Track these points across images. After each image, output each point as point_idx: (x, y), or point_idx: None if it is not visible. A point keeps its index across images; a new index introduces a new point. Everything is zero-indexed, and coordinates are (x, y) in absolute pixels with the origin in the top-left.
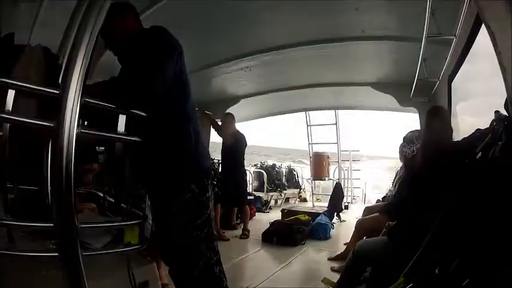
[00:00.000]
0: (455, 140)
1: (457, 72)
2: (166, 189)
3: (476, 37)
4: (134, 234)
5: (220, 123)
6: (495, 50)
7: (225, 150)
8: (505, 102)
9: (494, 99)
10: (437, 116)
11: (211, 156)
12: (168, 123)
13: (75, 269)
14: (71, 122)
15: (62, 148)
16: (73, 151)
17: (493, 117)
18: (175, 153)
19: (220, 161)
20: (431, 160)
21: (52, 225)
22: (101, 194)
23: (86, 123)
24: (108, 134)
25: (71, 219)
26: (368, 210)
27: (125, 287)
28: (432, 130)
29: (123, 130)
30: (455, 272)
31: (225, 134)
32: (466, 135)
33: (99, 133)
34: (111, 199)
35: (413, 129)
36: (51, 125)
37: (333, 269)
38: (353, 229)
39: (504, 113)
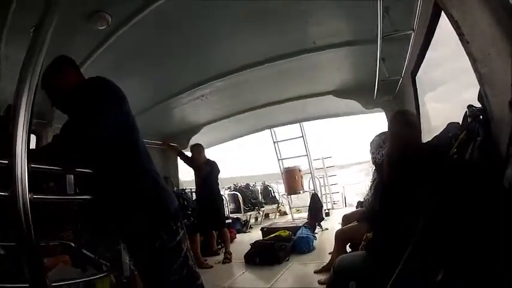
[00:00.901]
0: (426, 140)
1: (420, 66)
2: (135, 238)
3: (436, 27)
4: (104, 285)
5: (189, 154)
6: (461, 40)
7: (200, 179)
8: (479, 94)
9: (462, 82)
10: (400, 119)
11: (181, 188)
12: (120, 177)
13: None
14: (22, 189)
15: (20, 215)
16: (29, 216)
17: (461, 100)
18: (135, 205)
19: (194, 191)
20: (400, 165)
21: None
22: (73, 245)
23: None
24: (59, 197)
25: (42, 279)
26: (346, 219)
27: None
28: (396, 134)
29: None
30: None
31: (197, 165)
32: (439, 126)
33: (51, 197)
34: (84, 251)
35: (379, 133)
36: (6, 194)
37: (320, 282)
38: None
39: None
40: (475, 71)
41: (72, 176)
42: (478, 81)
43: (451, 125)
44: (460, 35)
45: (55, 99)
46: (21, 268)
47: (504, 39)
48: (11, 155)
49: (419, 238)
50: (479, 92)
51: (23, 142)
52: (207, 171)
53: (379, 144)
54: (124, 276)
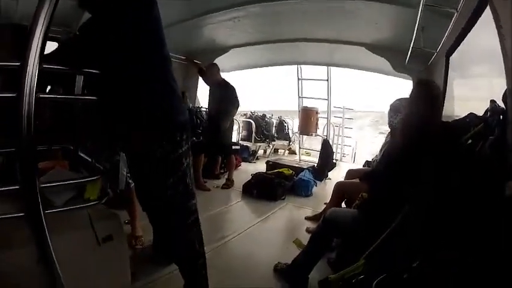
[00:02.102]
0: (445, 120)
1: (457, 48)
2: (136, 146)
3: (480, 16)
4: (94, 190)
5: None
6: (499, 33)
7: (210, 98)
8: (504, 94)
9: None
10: (423, 88)
11: (198, 106)
12: (131, 79)
13: (39, 226)
14: (30, 87)
15: (23, 112)
16: (32, 115)
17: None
18: (141, 110)
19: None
20: (412, 135)
21: (18, 187)
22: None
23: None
24: (64, 96)
25: (33, 180)
26: (350, 174)
27: (90, 241)
28: (416, 103)
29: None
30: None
31: (210, 83)
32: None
33: (56, 96)
34: (81, 154)
35: (401, 97)
36: (14, 95)
37: (307, 230)
38: None
39: (501, 104)
40: (506, 68)
41: (81, 78)
42: (506, 78)
43: (472, 115)
44: (498, 27)
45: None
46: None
47: None
48: (24, 56)
49: (400, 222)
50: (505, 91)
51: (39, 43)
52: (215, 90)
53: (398, 109)
54: (118, 189)
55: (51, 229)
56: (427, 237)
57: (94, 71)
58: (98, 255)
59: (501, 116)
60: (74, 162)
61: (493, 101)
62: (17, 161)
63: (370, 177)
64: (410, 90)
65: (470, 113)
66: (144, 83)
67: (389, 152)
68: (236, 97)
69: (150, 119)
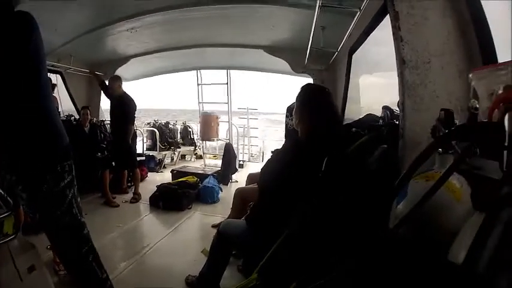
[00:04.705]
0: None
1: (360, 46)
2: (24, 179)
3: (384, 17)
4: (9, 224)
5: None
6: (394, 36)
7: (112, 112)
8: (399, 102)
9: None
10: (305, 95)
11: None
12: (12, 112)
13: None
14: None
15: None
16: None
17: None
18: (25, 145)
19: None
20: (293, 144)
21: None
22: None
23: None
24: None
25: None
26: (250, 179)
27: (14, 275)
28: (300, 110)
29: None
30: None
31: (111, 96)
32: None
33: None
34: None
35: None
36: None
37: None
38: None
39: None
40: (399, 74)
41: None
42: (401, 87)
43: (368, 116)
44: (395, 28)
45: None
46: None
47: (455, 55)
48: None
49: (292, 230)
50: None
51: None
52: (116, 104)
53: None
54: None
55: None
56: (317, 248)
57: None
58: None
59: (391, 126)
60: None
61: (385, 108)
62: None
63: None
64: (297, 95)
65: (368, 114)
66: (19, 116)
67: (277, 152)
68: (131, 113)
69: (33, 153)
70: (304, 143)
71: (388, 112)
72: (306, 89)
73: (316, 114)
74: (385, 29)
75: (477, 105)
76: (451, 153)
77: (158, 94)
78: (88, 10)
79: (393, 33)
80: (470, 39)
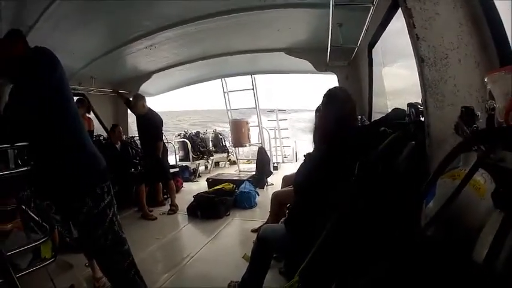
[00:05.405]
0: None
1: (378, 39)
2: (66, 205)
3: (397, 10)
4: (47, 248)
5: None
6: (410, 33)
7: (140, 129)
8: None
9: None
10: (330, 101)
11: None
12: (47, 146)
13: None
14: None
15: None
16: None
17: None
18: (63, 173)
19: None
20: (324, 146)
21: None
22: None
23: None
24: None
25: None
26: (285, 180)
27: None
28: (325, 116)
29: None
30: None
31: (138, 115)
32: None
33: None
34: (31, 213)
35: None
36: None
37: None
38: None
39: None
40: (419, 72)
41: (12, 151)
42: (422, 85)
43: (395, 111)
44: (410, 26)
45: (2, 71)
46: None
47: (470, 46)
48: None
49: (329, 233)
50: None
51: None
52: (143, 121)
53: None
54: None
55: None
56: (353, 250)
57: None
58: None
59: (418, 125)
60: (25, 222)
61: (410, 105)
62: None
63: (294, 185)
64: (321, 103)
65: (395, 108)
66: (60, 148)
67: (306, 160)
68: (158, 131)
69: (71, 180)
70: (335, 147)
71: (414, 110)
72: (329, 95)
73: (341, 120)
74: (400, 20)
75: (494, 105)
76: (475, 150)
77: (183, 95)
78: (103, 31)
79: (408, 32)
80: (482, 28)
